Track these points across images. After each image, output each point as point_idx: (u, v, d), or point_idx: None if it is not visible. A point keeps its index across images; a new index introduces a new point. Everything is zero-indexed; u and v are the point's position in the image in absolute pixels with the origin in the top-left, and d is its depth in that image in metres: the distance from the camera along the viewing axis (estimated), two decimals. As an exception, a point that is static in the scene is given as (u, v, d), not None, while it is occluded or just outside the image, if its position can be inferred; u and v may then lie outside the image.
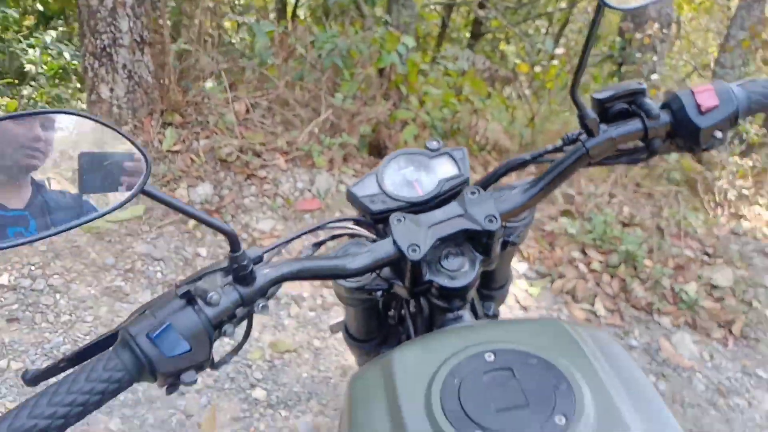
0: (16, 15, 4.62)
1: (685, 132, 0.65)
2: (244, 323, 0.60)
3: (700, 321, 2.49)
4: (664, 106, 0.67)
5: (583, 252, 2.61)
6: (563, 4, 6.09)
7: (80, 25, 2.62)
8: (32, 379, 0.55)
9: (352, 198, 0.74)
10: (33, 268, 2.02)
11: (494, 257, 0.70)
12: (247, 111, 2.69)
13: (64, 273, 2.02)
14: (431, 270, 0.67)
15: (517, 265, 2.49)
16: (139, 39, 2.58)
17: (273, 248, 0.64)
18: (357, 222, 0.74)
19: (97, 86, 2.55)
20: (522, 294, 2.38)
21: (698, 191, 3.72)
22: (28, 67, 4.74)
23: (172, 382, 0.53)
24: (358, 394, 0.61)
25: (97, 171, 0.50)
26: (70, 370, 0.53)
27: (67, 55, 4.64)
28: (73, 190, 0.49)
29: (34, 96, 4.70)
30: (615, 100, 0.66)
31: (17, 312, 1.87)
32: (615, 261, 2.56)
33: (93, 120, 0.50)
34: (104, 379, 0.49)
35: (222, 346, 1.52)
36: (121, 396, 1.65)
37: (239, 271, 0.55)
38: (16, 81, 4.70)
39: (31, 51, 4.51)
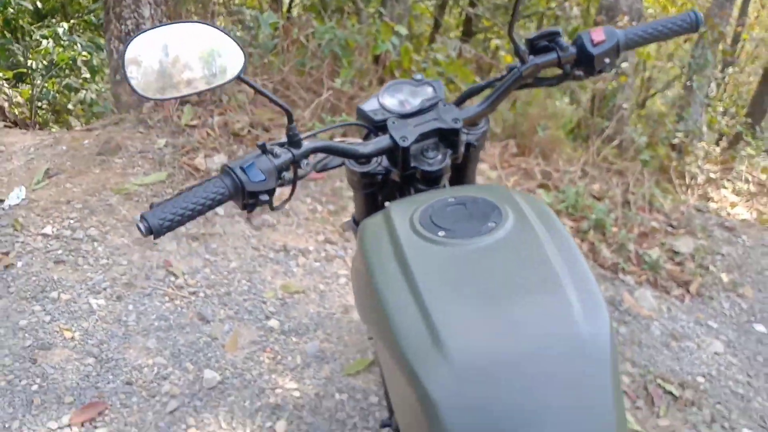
0: (31, 7, 4.88)
1: (584, 59, 0.96)
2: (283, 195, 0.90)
3: (661, 280, 2.81)
4: (573, 43, 0.97)
5: (557, 219, 2.92)
6: (553, 4, 6.41)
7: (106, 12, 2.90)
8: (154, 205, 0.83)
9: (360, 112, 1.04)
10: (72, 221, 2.30)
11: (459, 153, 1.01)
12: (257, 90, 2.98)
13: (99, 226, 2.30)
14: (416, 159, 0.98)
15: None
16: (159, 24, 2.86)
17: (313, 134, 0.95)
18: (365, 127, 1.04)
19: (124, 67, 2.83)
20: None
21: (671, 176, 4.06)
22: (38, 58, 4.99)
23: (252, 202, 0.82)
24: (367, 230, 0.90)
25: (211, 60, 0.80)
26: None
27: (78, 46, 4.90)
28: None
29: (45, 85, 4.96)
30: (540, 39, 0.97)
31: (62, 256, 2.15)
32: (585, 227, 2.87)
33: (213, 27, 0.80)
34: (212, 193, 0.79)
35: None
36: (155, 321, 1.95)
37: (292, 138, 0.85)
38: (30, 71, 4.95)
39: (44, 42, 4.77)
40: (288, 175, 0.86)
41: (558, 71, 1.00)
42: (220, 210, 2.49)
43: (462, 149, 1.00)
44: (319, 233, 2.53)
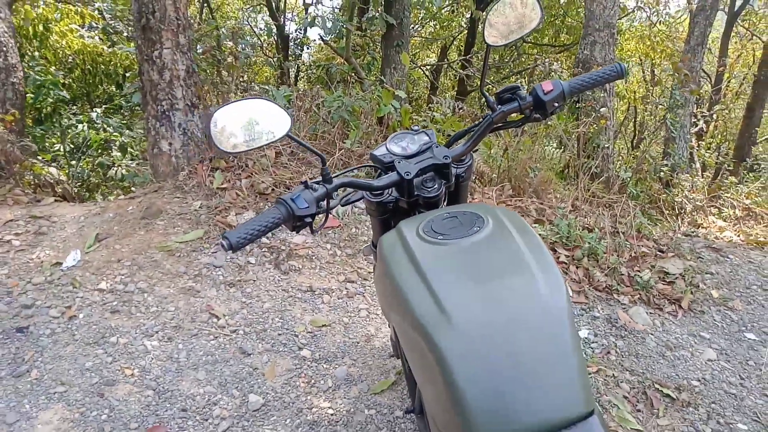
0: (68, 96, 5.40)
1: (539, 105, 1.29)
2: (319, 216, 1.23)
3: (653, 299, 3.05)
4: (530, 93, 1.31)
5: (553, 249, 3.20)
6: (538, 62, 6.93)
7: (143, 96, 3.34)
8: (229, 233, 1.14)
9: (373, 157, 1.37)
10: (123, 277, 2.62)
11: (451, 182, 1.33)
12: (277, 156, 3.37)
13: (147, 279, 2.62)
14: (418, 189, 1.30)
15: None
16: (190, 103, 3.29)
17: (341, 173, 1.28)
18: (377, 168, 1.37)
19: (159, 142, 3.24)
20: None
21: (661, 207, 4.35)
22: (73, 140, 5.48)
23: (299, 225, 1.14)
24: (385, 242, 1.21)
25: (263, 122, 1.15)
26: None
27: (110, 129, 5.39)
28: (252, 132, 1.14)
29: (81, 164, 5.42)
30: (504, 93, 1.31)
31: (117, 306, 2.46)
32: (579, 255, 3.15)
33: (267, 100, 1.15)
34: (271, 218, 1.11)
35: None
36: (203, 357, 2.22)
37: (325, 176, 1.18)
38: (67, 153, 5.42)
39: (80, 126, 5.26)
40: (323, 204, 1.18)
41: (520, 116, 1.34)
42: (251, 259, 2.81)
43: (453, 179, 1.33)
44: (340, 274, 2.83)
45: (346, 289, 2.74)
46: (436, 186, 1.30)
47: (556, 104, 1.29)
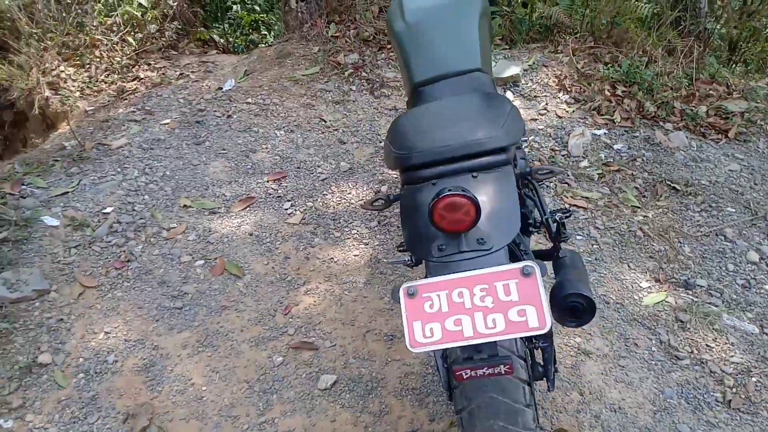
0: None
1: None
2: None
3: (700, 128, 3.39)
4: None
5: (613, 86, 3.62)
6: None
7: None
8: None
9: None
10: (263, 96, 3.61)
11: None
12: (380, 11, 4.09)
13: (279, 98, 3.58)
14: None
15: (559, 95, 3.60)
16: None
17: None
18: None
19: (289, 1, 4.12)
20: (561, 111, 3.50)
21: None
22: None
23: None
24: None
25: None
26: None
27: (257, 9, 6.42)
28: None
29: (237, 41, 6.57)
30: None
31: (258, 113, 3.46)
32: (636, 90, 3.54)
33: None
34: None
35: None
36: (314, 143, 3.15)
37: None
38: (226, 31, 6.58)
39: (234, 6, 6.35)
40: None
41: None
42: (353, 87, 3.66)
43: None
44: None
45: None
46: None
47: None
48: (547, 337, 1.44)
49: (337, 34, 4.00)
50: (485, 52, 1.67)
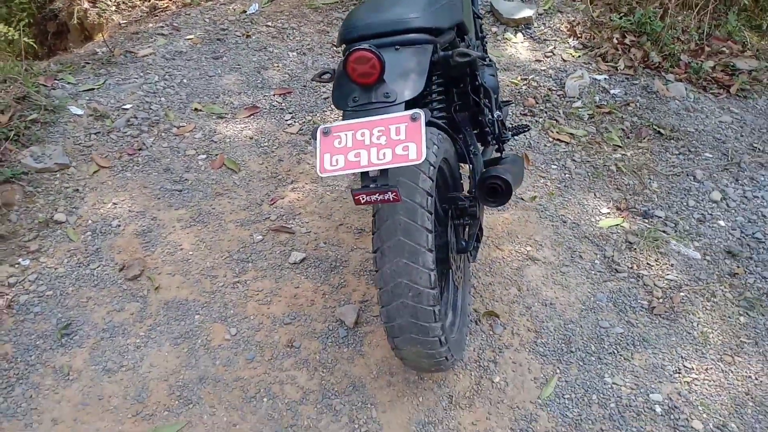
0: None
1: None
2: None
3: (702, 82, 3.44)
4: None
5: (623, 35, 3.68)
6: None
7: None
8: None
9: None
10: (283, 21, 3.81)
11: None
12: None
13: (297, 23, 3.77)
14: None
15: (568, 41, 3.68)
16: None
17: None
18: None
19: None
20: (566, 55, 3.59)
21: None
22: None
23: None
24: None
25: None
26: None
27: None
28: None
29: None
30: None
31: (276, 35, 3.67)
32: (644, 40, 3.59)
33: None
34: None
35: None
36: (323, 64, 3.34)
37: None
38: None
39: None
40: None
41: None
42: (368, 17, 3.81)
43: None
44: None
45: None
46: None
47: None
48: (474, 217, 1.66)
49: (359, -33, 4.13)
50: None
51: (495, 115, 1.83)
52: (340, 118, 1.34)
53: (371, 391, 1.76)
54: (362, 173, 1.21)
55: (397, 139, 1.16)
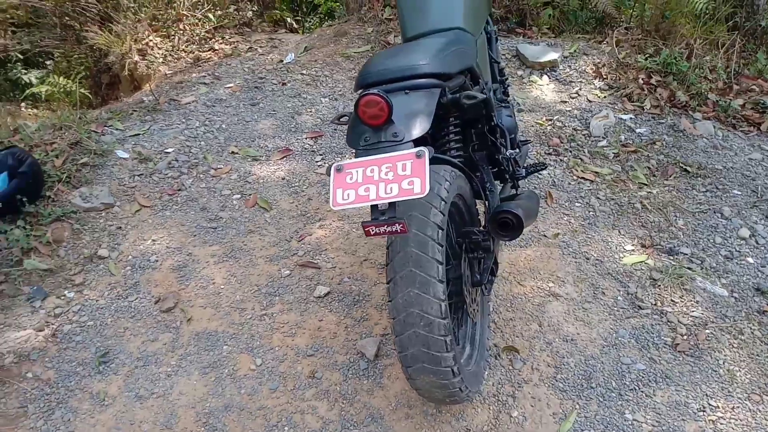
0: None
1: None
2: None
3: (731, 120, 3.42)
4: None
5: (648, 76, 3.71)
6: None
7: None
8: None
9: None
10: (317, 69, 4.01)
11: None
12: None
13: (330, 71, 3.97)
14: None
15: (594, 82, 3.74)
16: (374, -43, 4.44)
17: None
18: None
19: (350, -13, 4.50)
20: (592, 96, 3.64)
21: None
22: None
23: None
24: None
25: None
26: None
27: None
28: None
29: (312, 25, 7.07)
30: None
31: (310, 82, 3.86)
32: (670, 80, 3.62)
33: None
34: None
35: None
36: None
37: None
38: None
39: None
40: None
41: None
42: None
43: None
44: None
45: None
46: None
47: None
48: (488, 251, 1.71)
49: (391, 17, 4.34)
50: (469, 12, 1.94)
51: (508, 154, 1.90)
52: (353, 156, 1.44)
53: (389, 423, 1.80)
54: (372, 206, 1.30)
55: (404, 174, 1.25)
